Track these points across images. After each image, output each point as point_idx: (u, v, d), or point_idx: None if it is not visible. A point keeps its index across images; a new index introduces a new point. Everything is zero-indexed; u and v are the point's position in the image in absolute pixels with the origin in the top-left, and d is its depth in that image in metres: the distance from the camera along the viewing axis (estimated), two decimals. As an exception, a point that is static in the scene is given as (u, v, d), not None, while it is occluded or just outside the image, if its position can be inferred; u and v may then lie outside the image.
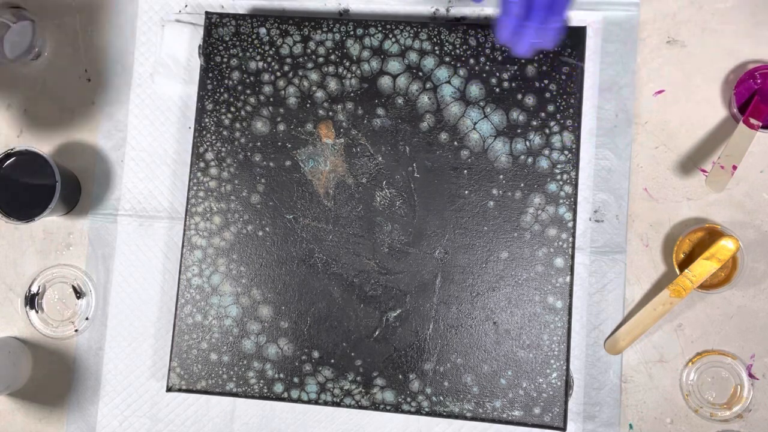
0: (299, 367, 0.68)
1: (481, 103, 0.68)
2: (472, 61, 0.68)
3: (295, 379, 0.67)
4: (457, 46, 0.69)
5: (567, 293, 0.66)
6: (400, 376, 0.67)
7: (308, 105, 0.69)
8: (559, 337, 0.66)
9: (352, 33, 0.69)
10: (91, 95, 0.75)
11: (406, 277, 0.68)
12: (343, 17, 0.72)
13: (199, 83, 0.70)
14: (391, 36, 0.69)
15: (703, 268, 0.66)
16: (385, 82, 0.69)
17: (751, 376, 0.68)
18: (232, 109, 0.70)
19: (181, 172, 0.73)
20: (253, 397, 0.68)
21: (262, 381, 0.68)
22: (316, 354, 0.68)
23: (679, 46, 0.71)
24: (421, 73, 0.69)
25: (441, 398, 0.66)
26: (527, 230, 0.67)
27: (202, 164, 0.70)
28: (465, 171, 0.68)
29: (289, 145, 0.69)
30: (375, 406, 0.67)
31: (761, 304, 0.69)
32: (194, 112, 0.71)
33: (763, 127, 0.66)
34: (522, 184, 0.67)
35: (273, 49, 0.70)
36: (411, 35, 0.69)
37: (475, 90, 0.68)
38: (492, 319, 0.67)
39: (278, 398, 0.68)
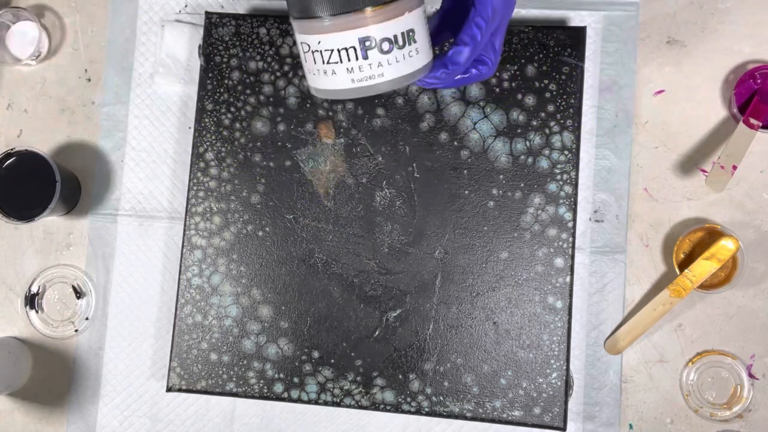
0: (299, 367, 0.68)
1: (481, 103, 0.68)
2: (472, 61, 0.68)
3: (295, 379, 0.68)
4: (457, 46, 0.69)
5: (567, 293, 0.66)
6: (400, 376, 0.67)
7: (308, 105, 0.69)
8: (559, 337, 0.66)
9: (352, 33, 0.69)
10: (91, 95, 0.75)
11: (406, 277, 0.68)
12: (343, 17, 0.72)
13: (199, 83, 0.70)
14: (391, 36, 0.69)
15: (703, 268, 0.66)
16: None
17: (751, 376, 0.68)
18: (232, 109, 0.70)
19: (181, 172, 0.73)
20: (253, 397, 0.68)
21: (262, 381, 0.68)
22: (316, 354, 0.68)
23: (679, 46, 0.71)
24: (421, 73, 0.69)
25: (441, 398, 0.66)
26: (527, 230, 0.67)
27: (202, 164, 0.70)
28: (465, 171, 0.68)
29: (289, 145, 0.69)
30: (375, 406, 0.67)
31: (761, 304, 0.69)
32: (194, 112, 0.71)
33: (763, 127, 0.66)
34: (522, 184, 0.67)
35: (273, 49, 0.70)
36: (411, 35, 0.69)
37: (475, 90, 0.68)
38: (492, 319, 0.67)
39: (278, 398, 0.68)
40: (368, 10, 0.46)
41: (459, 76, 0.51)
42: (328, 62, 0.48)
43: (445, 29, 0.54)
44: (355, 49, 0.47)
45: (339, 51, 0.47)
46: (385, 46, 0.47)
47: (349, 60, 0.47)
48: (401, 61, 0.48)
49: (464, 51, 0.49)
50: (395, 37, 0.47)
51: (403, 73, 0.48)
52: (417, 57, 0.48)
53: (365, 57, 0.47)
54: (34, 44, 0.74)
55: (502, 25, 0.51)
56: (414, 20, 0.48)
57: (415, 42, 0.48)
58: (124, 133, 0.74)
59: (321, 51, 0.48)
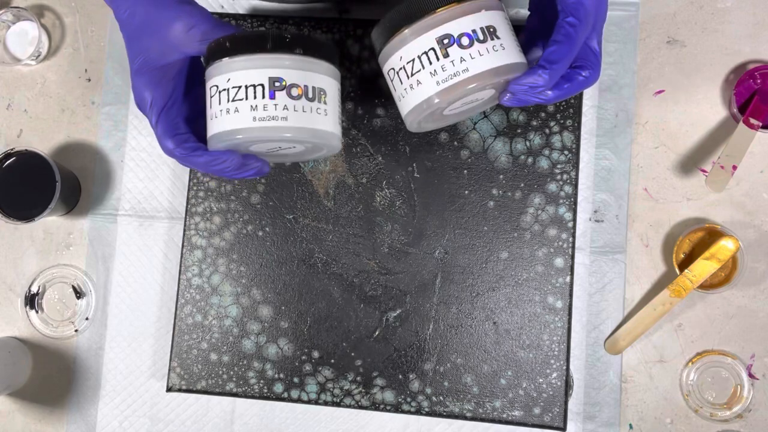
0: (299, 367, 0.68)
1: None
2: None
3: (295, 379, 0.68)
4: (457, 46, 0.69)
5: (567, 293, 0.66)
6: (400, 376, 0.67)
7: (308, 105, 0.69)
8: (559, 337, 0.66)
9: (352, 33, 0.69)
10: (91, 95, 0.75)
11: (406, 277, 0.68)
12: (343, 17, 0.72)
13: (199, 83, 0.70)
14: (391, 36, 0.69)
15: (703, 268, 0.66)
16: (385, 82, 0.69)
17: (751, 376, 0.68)
18: (232, 109, 0.70)
19: (181, 172, 0.73)
20: (253, 397, 0.68)
21: (262, 381, 0.68)
22: (316, 354, 0.68)
23: (679, 46, 0.71)
24: (421, 73, 0.69)
25: (441, 398, 0.66)
26: (527, 230, 0.67)
27: (202, 164, 0.70)
28: (465, 171, 0.68)
29: (289, 145, 0.69)
30: (375, 406, 0.67)
31: (761, 304, 0.69)
32: (194, 112, 0.71)
33: (763, 127, 0.66)
34: (522, 184, 0.67)
35: (273, 49, 0.70)
36: (411, 35, 0.69)
37: (475, 90, 0.68)
38: (492, 319, 0.67)
39: (278, 398, 0.68)
40: (440, 9, 0.46)
41: (567, 85, 0.49)
42: (412, 74, 0.48)
43: (533, 48, 0.53)
44: (435, 51, 0.46)
45: (419, 57, 0.47)
46: (465, 40, 0.46)
47: (430, 63, 0.47)
48: (485, 55, 0.47)
49: (559, 49, 0.47)
50: (473, 31, 0.46)
51: (489, 66, 0.47)
52: (503, 52, 0.47)
53: (446, 55, 0.46)
54: (34, 44, 0.74)
55: (598, 26, 0.50)
56: (493, 18, 0.47)
57: (498, 38, 0.47)
58: (124, 133, 0.74)
59: (404, 66, 0.48)
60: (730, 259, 0.67)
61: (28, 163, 0.69)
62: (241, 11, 0.74)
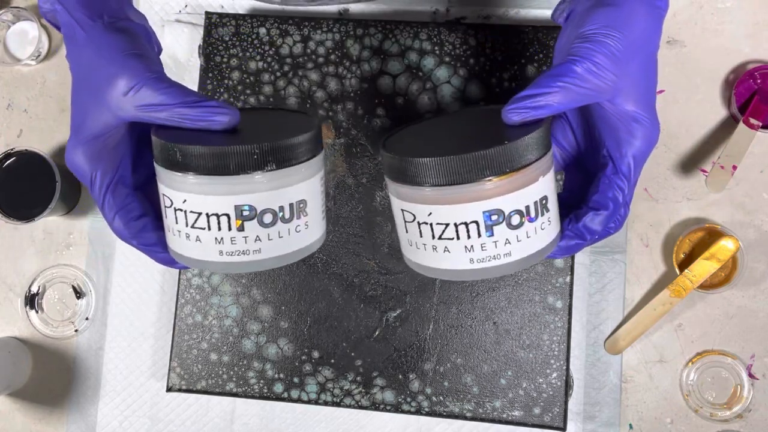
0: (299, 367, 0.68)
1: (481, 103, 0.68)
2: (472, 61, 0.68)
3: (295, 379, 0.68)
4: (457, 46, 0.69)
5: (567, 293, 0.66)
6: (400, 376, 0.67)
7: (308, 105, 0.69)
8: (559, 337, 0.66)
9: (352, 33, 0.69)
10: (91, 95, 0.75)
11: (406, 277, 0.68)
12: (343, 17, 0.72)
13: (198, 83, 0.70)
14: (391, 36, 0.69)
15: (703, 268, 0.66)
16: (385, 82, 0.69)
17: (751, 376, 0.68)
18: (232, 109, 0.70)
19: (181, 172, 0.73)
20: (253, 397, 0.68)
21: (262, 381, 0.68)
22: (316, 354, 0.68)
23: (679, 46, 0.71)
24: (421, 73, 0.69)
25: (441, 398, 0.66)
26: (527, 230, 0.67)
27: (202, 164, 0.69)
28: (465, 171, 0.68)
29: (289, 145, 0.69)
30: (375, 406, 0.67)
31: (761, 304, 0.69)
32: (194, 112, 0.71)
33: (763, 127, 0.66)
34: (522, 184, 0.67)
35: (273, 49, 0.70)
36: (411, 35, 0.69)
37: (475, 90, 0.68)
38: (492, 319, 0.67)
39: (278, 398, 0.68)
40: (493, 179, 0.38)
41: (596, 237, 0.44)
42: (440, 237, 0.40)
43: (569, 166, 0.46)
44: (478, 226, 0.39)
45: (457, 226, 0.39)
46: (515, 220, 0.39)
47: (468, 237, 0.39)
48: (533, 236, 0.40)
49: (603, 216, 0.42)
50: (527, 207, 0.39)
51: (534, 250, 0.40)
52: (549, 228, 0.41)
53: (491, 234, 0.39)
54: (34, 44, 0.74)
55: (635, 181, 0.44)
56: (548, 184, 0.40)
57: (548, 211, 0.40)
58: (124, 133, 0.74)
59: (432, 225, 0.40)
60: (730, 259, 0.67)
61: (28, 163, 0.69)
62: (241, 11, 0.74)
